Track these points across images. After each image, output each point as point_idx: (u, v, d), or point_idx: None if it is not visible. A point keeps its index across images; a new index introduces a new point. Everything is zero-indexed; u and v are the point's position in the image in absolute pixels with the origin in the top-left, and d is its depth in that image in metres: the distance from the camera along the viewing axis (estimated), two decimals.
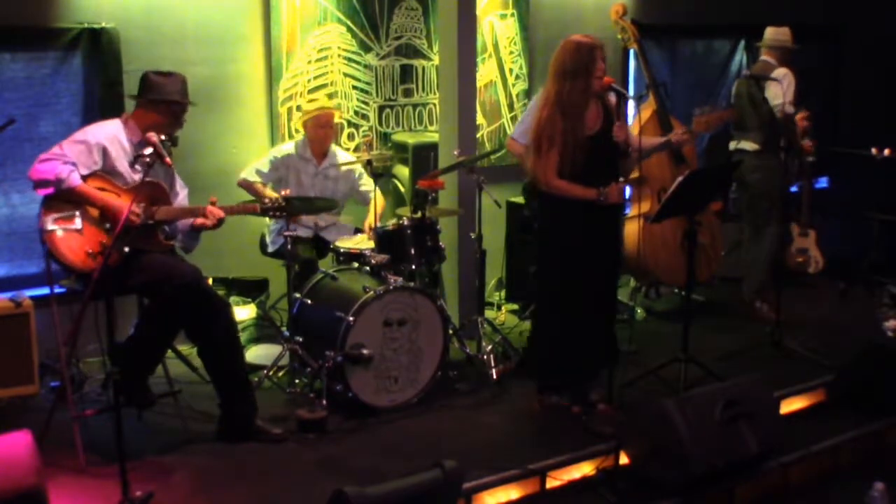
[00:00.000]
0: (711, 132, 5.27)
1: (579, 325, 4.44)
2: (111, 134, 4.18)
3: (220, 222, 4.30)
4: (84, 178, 4.07)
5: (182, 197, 4.40)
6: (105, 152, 4.13)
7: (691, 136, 4.98)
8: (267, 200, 4.53)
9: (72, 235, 4.03)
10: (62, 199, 4.04)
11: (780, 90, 5.65)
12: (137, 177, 4.19)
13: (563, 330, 4.46)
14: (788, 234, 6.29)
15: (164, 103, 4.21)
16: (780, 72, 5.78)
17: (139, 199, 3.98)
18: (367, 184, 5.56)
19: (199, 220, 4.27)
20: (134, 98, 4.33)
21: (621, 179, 4.42)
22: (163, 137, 4.00)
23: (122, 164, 4.17)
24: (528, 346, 4.75)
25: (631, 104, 4.68)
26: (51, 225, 4.01)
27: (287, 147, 5.43)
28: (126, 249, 3.98)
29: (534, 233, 5.11)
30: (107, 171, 4.15)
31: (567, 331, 4.45)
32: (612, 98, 4.41)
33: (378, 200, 5.41)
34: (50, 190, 4.02)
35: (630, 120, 4.82)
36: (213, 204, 4.28)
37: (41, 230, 4.05)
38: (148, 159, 4.05)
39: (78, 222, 4.05)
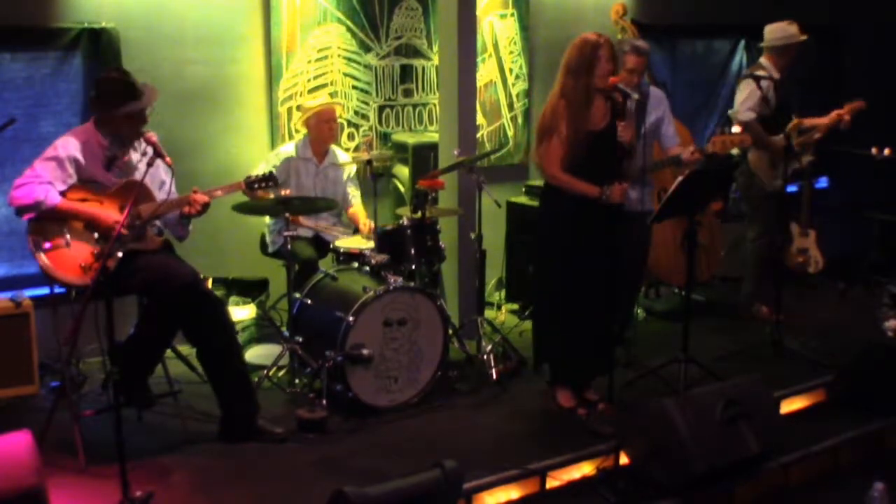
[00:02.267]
0: (725, 154, 5.22)
1: (580, 326, 4.43)
2: (80, 143, 4.15)
3: (205, 208, 4.26)
4: (63, 192, 4.07)
5: (168, 183, 4.29)
6: (77, 164, 4.12)
7: (702, 154, 4.94)
8: (252, 176, 4.51)
9: (63, 253, 4.03)
10: (46, 218, 4.03)
11: (741, 96, 5.63)
12: (114, 177, 4.18)
13: (563, 330, 4.46)
14: (788, 234, 6.29)
15: (117, 117, 4.13)
16: (761, 73, 5.77)
17: (130, 205, 3.96)
18: (351, 190, 5.57)
19: (186, 209, 4.25)
20: (93, 108, 4.26)
21: (625, 183, 4.41)
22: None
23: (97, 171, 4.15)
24: (534, 345, 4.72)
25: (653, 108, 4.66)
26: (40, 246, 4.01)
27: (286, 148, 5.42)
28: (120, 254, 3.97)
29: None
30: (84, 181, 4.14)
31: (566, 329, 4.45)
32: (620, 98, 4.41)
33: (359, 209, 5.50)
34: (32, 214, 4.02)
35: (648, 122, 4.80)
36: (195, 192, 4.25)
37: (31, 252, 4.05)
38: (120, 160, 4.07)
39: (66, 238, 4.05)
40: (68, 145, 4.14)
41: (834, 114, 5.83)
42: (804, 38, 5.78)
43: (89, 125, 4.24)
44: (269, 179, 4.48)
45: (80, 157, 4.13)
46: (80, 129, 4.25)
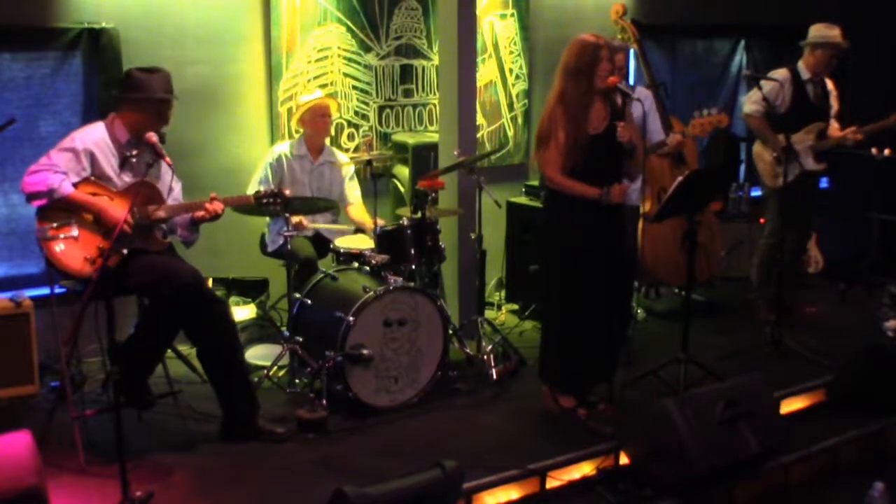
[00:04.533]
0: (706, 136, 5.34)
1: (585, 328, 4.43)
2: (98, 138, 4.16)
3: (218, 215, 4.28)
4: (75, 184, 4.07)
5: (177, 192, 4.38)
6: (93, 157, 4.12)
7: (685, 139, 5.07)
8: (259, 191, 4.52)
9: (69, 243, 4.03)
10: (56, 207, 4.03)
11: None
12: (127, 178, 4.19)
13: (568, 332, 4.45)
14: (802, 240, 6.27)
15: (148, 102, 4.17)
16: (779, 73, 5.80)
17: (134, 203, 3.97)
18: (350, 187, 5.57)
19: (199, 213, 4.26)
20: (119, 97, 4.30)
21: (625, 181, 4.42)
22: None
23: (110, 168, 4.16)
24: (541, 347, 4.72)
25: (638, 105, 4.70)
26: (47, 235, 4.01)
27: (281, 147, 5.42)
28: (125, 251, 3.98)
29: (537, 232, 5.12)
30: (96, 176, 4.14)
31: (573, 333, 4.44)
32: (620, 99, 4.41)
33: (359, 208, 5.50)
34: (44, 201, 4.02)
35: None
36: (213, 199, 4.27)
37: (38, 240, 4.05)
38: (135, 160, 4.09)
39: (74, 230, 4.05)
40: (86, 138, 4.14)
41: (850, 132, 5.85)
42: (837, 41, 5.76)
43: (108, 122, 4.24)
44: (276, 195, 4.49)
45: (96, 151, 4.13)
46: (98, 125, 4.25)
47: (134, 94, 4.17)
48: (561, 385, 4.57)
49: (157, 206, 4.18)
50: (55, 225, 4.02)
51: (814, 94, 5.80)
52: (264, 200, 4.49)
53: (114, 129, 4.20)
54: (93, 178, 4.13)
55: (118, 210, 4.06)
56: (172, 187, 4.30)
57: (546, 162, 4.33)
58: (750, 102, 5.78)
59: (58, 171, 4.02)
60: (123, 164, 4.17)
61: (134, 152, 4.14)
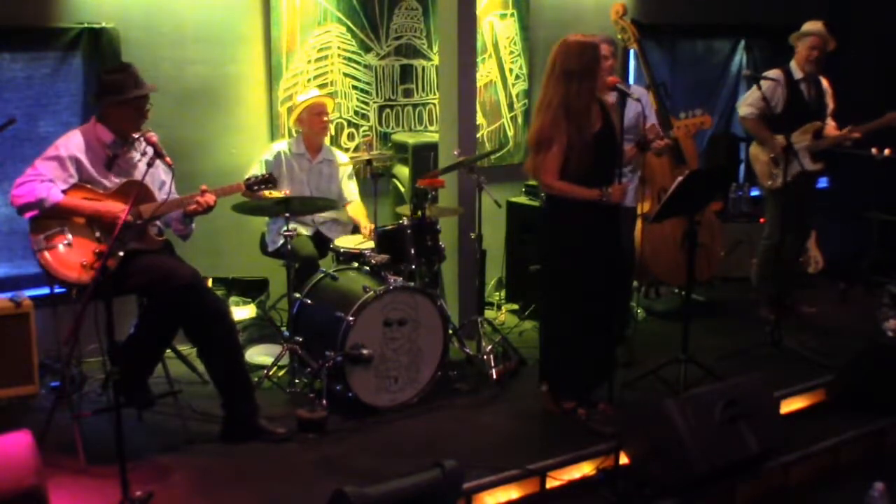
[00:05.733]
0: (692, 136, 5.36)
1: (585, 329, 4.42)
2: (81, 143, 4.16)
3: (211, 207, 4.28)
4: (64, 191, 4.06)
5: (169, 184, 4.34)
6: (78, 163, 4.12)
7: (670, 139, 5.09)
8: (251, 177, 4.51)
9: (65, 251, 4.03)
10: (48, 216, 4.03)
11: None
12: (115, 178, 4.19)
13: (569, 332, 4.46)
14: (801, 240, 6.26)
15: (130, 101, 4.15)
16: (772, 73, 5.80)
17: (125, 204, 3.96)
18: (347, 186, 5.57)
19: (192, 207, 4.25)
20: (97, 103, 4.29)
21: (625, 179, 4.41)
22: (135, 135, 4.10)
23: (97, 171, 4.16)
24: (541, 349, 4.71)
25: (638, 104, 4.69)
26: (42, 245, 4.01)
27: (279, 146, 5.43)
28: (121, 254, 3.97)
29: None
30: (84, 181, 4.14)
31: (573, 334, 4.44)
32: (612, 97, 4.40)
33: (359, 207, 5.49)
34: (35, 212, 4.02)
35: (629, 117, 4.82)
36: (203, 192, 4.26)
37: (34, 252, 4.05)
38: (120, 159, 4.11)
39: (68, 237, 4.05)
40: (70, 144, 4.14)
41: (847, 131, 5.82)
42: (817, 30, 5.74)
43: (91, 124, 4.24)
44: (267, 181, 4.49)
45: (81, 156, 4.13)
46: (81, 129, 4.26)
47: (113, 98, 4.15)
48: (561, 387, 4.57)
49: (149, 205, 4.17)
50: (48, 234, 4.02)
51: (808, 94, 5.79)
52: (255, 187, 4.48)
53: (96, 132, 4.20)
54: (81, 183, 4.12)
55: (112, 209, 4.06)
56: (164, 180, 4.28)
57: (544, 168, 4.28)
58: (745, 105, 5.78)
59: (44, 180, 4.02)
60: (110, 164, 4.17)
61: (119, 152, 4.14)
